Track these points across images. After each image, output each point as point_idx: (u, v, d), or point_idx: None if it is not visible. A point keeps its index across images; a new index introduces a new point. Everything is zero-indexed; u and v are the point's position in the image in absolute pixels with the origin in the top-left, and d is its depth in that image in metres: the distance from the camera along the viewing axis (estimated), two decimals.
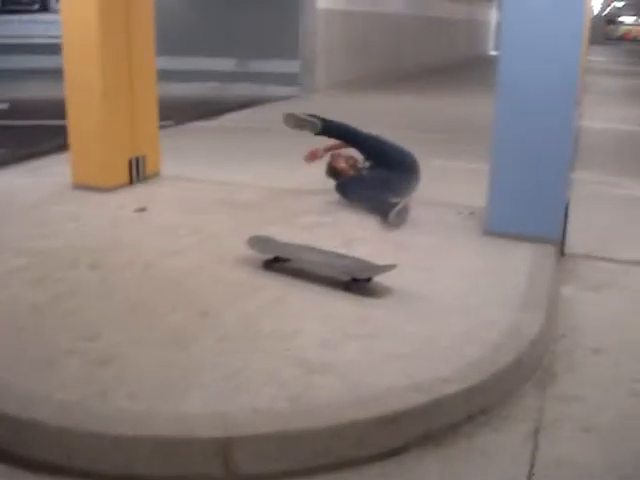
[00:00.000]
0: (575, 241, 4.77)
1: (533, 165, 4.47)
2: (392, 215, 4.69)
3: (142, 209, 5.02)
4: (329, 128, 5.40)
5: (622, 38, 58.34)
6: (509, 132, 4.49)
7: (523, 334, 3.22)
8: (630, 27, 63.39)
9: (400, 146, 5.46)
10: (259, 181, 6.10)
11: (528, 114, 4.42)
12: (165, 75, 11.82)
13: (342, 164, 5.43)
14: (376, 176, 5.33)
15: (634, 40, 58.84)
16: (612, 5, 48.85)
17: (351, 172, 5.44)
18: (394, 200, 4.84)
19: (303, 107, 12.41)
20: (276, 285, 3.68)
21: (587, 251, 4.79)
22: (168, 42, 12.71)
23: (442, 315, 3.38)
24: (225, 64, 14.37)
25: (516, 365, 3.00)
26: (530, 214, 4.54)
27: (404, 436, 2.59)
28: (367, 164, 5.48)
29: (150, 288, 3.63)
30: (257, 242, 4.05)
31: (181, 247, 4.24)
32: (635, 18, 62.12)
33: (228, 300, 3.48)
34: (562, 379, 3.15)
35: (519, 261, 4.17)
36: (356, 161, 5.53)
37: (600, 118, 11.32)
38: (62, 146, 6.20)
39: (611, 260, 4.69)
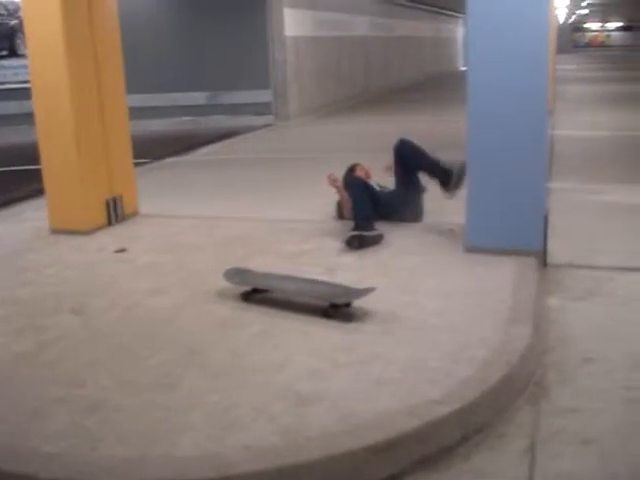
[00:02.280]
0: (557, 251, 4.77)
1: (509, 178, 4.50)
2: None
3: (122, 250, 4.98)
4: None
5: (589, 44, 59.19)
6: (482, 146, 4.52)
7: (512, 349, 3.21)
8: (596, 33, 64.36)
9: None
10: (239, 214, 6.08)
11: (500, 126, 4.45)
12: (137, 113, 11.90)
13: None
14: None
15: (601, 46, 59.72)
16: (577, 13, 49.54)
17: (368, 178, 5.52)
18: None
19: (277, 136, 12.51)
20: (260, 318, 3.66)
21: (570, 260, 4.80)
22: (138, 79, 12.74)
23: (429, 336, 3.37)
24: (196, 98, 14.40)
25: (507, 381, 2.99)
26: (510, 227, 4.55)
27: (400, 462, 2.56)
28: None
29: (134, 330, 3.59)
30: (234, 274, 4.04)
31: (163, 286, 4.21)
32: (600, 24, 63.06)
33: (213, 337, 3.45)
34: (555, 391, 3.13)
35: (502, 275, 4.18)
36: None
37: (572, 126, 11.43)
38: (39, 191, 6.17)
39: (594, 268, 4.70)
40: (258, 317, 3.67)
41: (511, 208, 4.54)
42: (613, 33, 65.47)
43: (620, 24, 63.57)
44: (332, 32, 16.61)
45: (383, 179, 5.57)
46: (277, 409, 2.73)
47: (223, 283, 4.02)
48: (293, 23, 14.20)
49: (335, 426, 2.60)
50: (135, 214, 6.02)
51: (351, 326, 3.50)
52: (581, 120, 12.36)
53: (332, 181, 5.26)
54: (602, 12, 48.84)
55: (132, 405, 2.83)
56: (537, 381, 3.22)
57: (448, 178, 5.16)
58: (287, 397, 2.83)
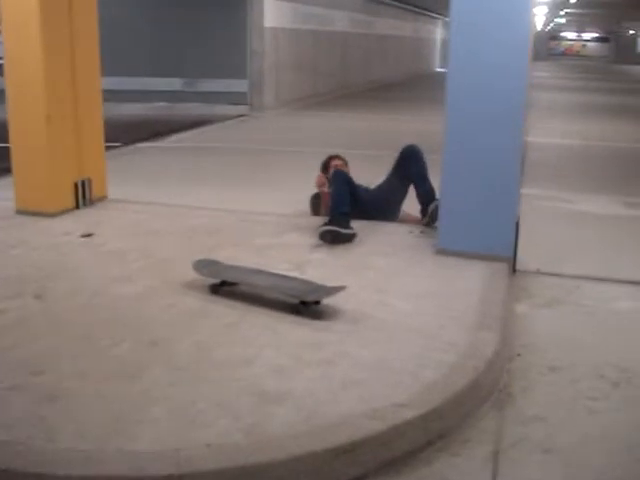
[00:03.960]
0: (526, 257, 4.78)
1: (483, 182, 4.49)
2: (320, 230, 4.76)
3: (89, 234, 4.89)
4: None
5: (564, 53, 59.77)
6: (458, 150, 4.51)
7: (479, 354, 3.19)
8: (572, 42, 65.00)
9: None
10: (209, 203, 6.01)
11: (477, 131, 4.45)
12: (112, 96, 11.74)
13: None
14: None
15: (577, 55, 60.34)
16: (554, 21, 49.97)
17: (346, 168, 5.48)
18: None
19: (252, 127, 12.44)
20: (227, 311, 3.60)
21: (538, 267, 4.81)
22: (114, 62, 12.57)
23: (397, 338, 3.34)
24: (173, 84, 14.25)
25: (473, 387, 2.97)
26: (481, 232, 4.55)
27: (362, 465, 2.53)
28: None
29: (98, 317, 3.52)
30: (203, 266, 3.97)
31: (129, 273, 4.13)
32: (577, 33, 63.69)
33: (178, 328, 3.39)
34: (520, 399, 3.12)
35: (472, 280, 4.17)
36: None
37: (544, 133, 11.51)
38: (6, 170, 6.03)
39: (562, 276, 4.72)
40: (225, 310, 3.61)
41: (483, 213, 4.53)
42: (589, 43, 66.21)
43: (596, 35, 64.29)
44: (312, 26, 16.55)
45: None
46: (241, 406, 2.69)
47: (191, 273, 3.96)
48: (273, 14, 14.11)
49: (299, 426, 2.56)
50: (104, 198, 5.92)
51: (320, 324, 3.46)
52: (553, 128, 12.45)
53: (320, 184, 5.22)
54: (579, 22, 49.30)
55: (92, 396, 2.76)
56: (502, 388, 3.21)
57: (425, 213, 5.17)
58: (252, 394, 2.78)
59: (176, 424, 2.57)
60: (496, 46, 4.31)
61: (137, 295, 3.79)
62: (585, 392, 3.22)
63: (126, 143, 9.84)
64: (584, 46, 66.31)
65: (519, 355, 3.54)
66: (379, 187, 5.47)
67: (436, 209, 4.91)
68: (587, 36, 65.23)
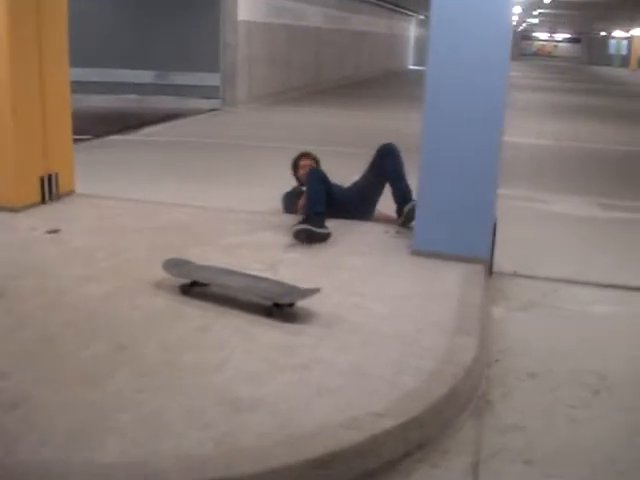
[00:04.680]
0: (502, 259, 4.71)
1: (461, 183, 4.41)
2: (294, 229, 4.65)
3: (54, 230, 4.73)
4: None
5: (537, 53, 60.18)
6: (436, 149, 4.42)
7: (458, 361, 3.11)
8: (544, 42, 65.52)
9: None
10: (180, 199, 5.87)
11: (456, 130, 4.36)
12: (82, 87, 11.52)
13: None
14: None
15: (548, 55, 60.81)
16: (527, 21, 50.29)
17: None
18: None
19: (224, 121, 12.28)
20: (198, 313, 3.48)
21: (515, 269, 4.75)
22: (85, 53, 12.34)
23: (373, 342, 3.24)
24: (144, 76, 14.03)
25: (452, 395, 2.88)
26: (458, 233, 4.47)
27: (339, 477, 2.43)
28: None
29: (62, 319, 3.37)
30: (173, 265, 3.84)
31: (96, 272, 3.98)
32: (549, 34, 64.19)
33: (147, 330, 3.26)
34: (499, 407, 3.04)
35: (449, 282, 4.08)
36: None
37: (518, 133, 11.49)
38: None
39: (539, 278, 4.66)
40: (196, 312, 3.48)
41: (461, 214, 4.45)
42: (561, 44, 66.79)
43: (568, 36, 64.85)
44: (286, 20, 16.40)
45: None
46: (212, 414, 2.57)
47: (160, 273, 3.83)
48: (247, 8, 13.94)
49: (272, 436, 2.45)
50: (71, 193, 5.75)
51: (294, 327, 3.35)
52: (528, 128, 12.44)
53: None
54: (551, 22, 49.66)
55: (56, 402, 2.63)
56: (481, 395, 3.12)
57: (401, 212, 5.08)
58: (223, 401, 2.67)
59: (144, 433, 2.45)
60: (477, 43, 4.22)
61: (104, 295, 3.64)
62: (565, 400, 3.15)
63: (96, 136, 9.65)
64: (556, 47, 66.88)
65: (497, 361, 3.46)
66: (354, 185, 5.38)
67: (412, 209, 4.83)
68: (559, 37, 65.81)
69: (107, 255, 4.27)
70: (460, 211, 4.44)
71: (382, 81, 24.39)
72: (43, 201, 5.46)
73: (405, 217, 5.01)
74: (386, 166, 5.18)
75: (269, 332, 3.29)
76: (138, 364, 2.94)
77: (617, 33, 52.38)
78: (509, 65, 4.33)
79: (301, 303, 3.51)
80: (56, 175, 5.58)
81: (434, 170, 4.45)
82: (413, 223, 4.81)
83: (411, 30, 37.13)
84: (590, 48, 60.43)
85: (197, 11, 13.59)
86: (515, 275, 4.69)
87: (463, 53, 4.27)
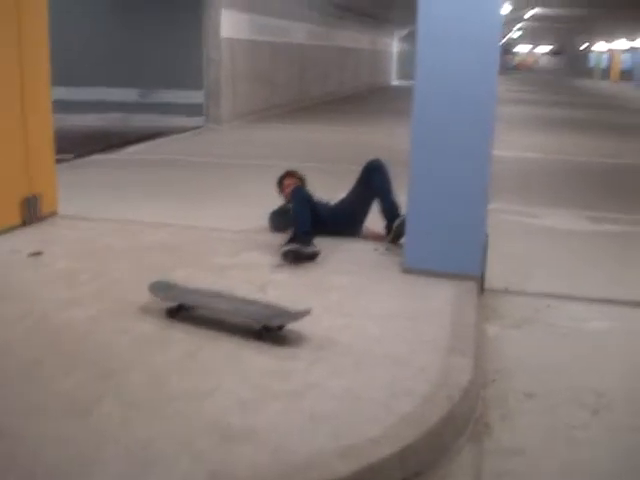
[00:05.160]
0: (492, 275, 4.64)
1: (451, 199, 4.35)
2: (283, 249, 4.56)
3: (37, 253, 4.62)
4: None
5: (518, 67, 60.60)
6: (426, 166, 4.36)
7: (454, 383, 3.03)
8: (526, 56, 66.02)
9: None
10: (165, 219, 5.78)
11: (445, 146, 4.31)
12: (64, 106, 11.40)
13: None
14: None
15: (529, 69, 61.26)
16: (509, 36, 50.63)
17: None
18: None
19: (209, 139, 12.20)
20: (186, 338, 3.38)
21: (506, 285, 4.69)
22: (67, 72, 12.24)
23: (366, 365, 3.16)
24: (128, 94, 13.93)
25: (450, 418, 2.80)
26: (449, 250, 4.40)
27: None
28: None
29: (45, 345, 3.26)
30: (160, 288, 3.74)
31: (80, 296, 3.88)
32: (530, 48, 64.68)
33: (133, 357, 3.16)
34: (498, 430, 2.96)
35: (441, 301, 4.01)
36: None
37: (503, 146, 11.47)
38: None
39: (531, 294, 4.60)
40: (184, 337, 3.38)
41: (451, 231, 4.39)
42: (542, 57, 67.32)
43: (549, 49, 65.38)
44: (269, 37, 16.37)
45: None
46: (202, 445, 2.47)
47: (146, 296, 3.73)
48: (230, 25, 13.89)
49: (266, 467, 2.36)
50: (54, 214, 5.64)
51: (285, 351, 3.26)
52: (513, 141, 12.43)
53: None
54: (533, 36, 50.05)
55: (38, 435, 2.52)
56: (479, 417, 3.04)
57: (390, 229, 5.03)
58: (214, 431, 2.57)
59: (132, 467, 2.35)
60: (465, 58, 4.18)
61: (88, 320, 3.54)
62: (564, 420, 3.07)
63: (79, 155, 9.52)
64: (537, 60, 67.41)
65: (494, 381, 3.38)
66: (341, 202, 5.31)
67: (401, 225, 4.76)
68: (540, 50, 66.33)
69: (91, 277, 4.17)
70: (451, 227, 4.38)
71: (366, 97, 24.42)
72: (26, 223, 5.35)
73: (394, 233, 4.94)
74: (373, 182, 5.12)
75: (259, 357, 3.19)
76: (124, 392, 2.84)
77: (598, 46, 52.85)
78: (497, 79, 4.28)
79: (291, 325, 3.42)
80: (39, 196, 5.48)
81: (423, 186, 4.38)
82: (403, 239, 4.74)
83: (394, 46, 37.26)
84: (571, 61, 60.97)
85: (180, 28, 13.52)
86: (506, 291, 4.62)
87: (451, 68, 4.22)
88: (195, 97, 13.76)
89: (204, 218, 6.01)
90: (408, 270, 4.44)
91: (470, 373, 3.13)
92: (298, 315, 3.41)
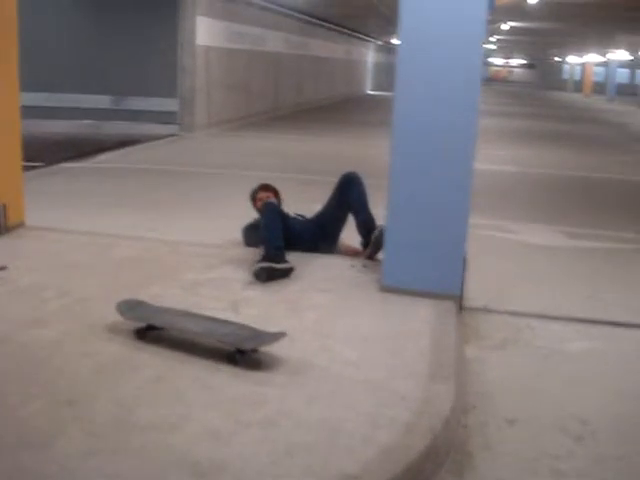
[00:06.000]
0: (471, 293, 4.54)
1: (431, 217, 4.24)
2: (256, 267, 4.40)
3: (1, 268, 4.43)
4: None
5: (492, 79, 60.96)
6: (405, 182, 4.25)
7: (435, 411, 2.90)
8: (500, 68, 66.48)
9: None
10: (136, 232, 5.62)
11: (426, 162, 4.21)
12: (34, 112, 11.17)
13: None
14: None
15: (504, 81, 61.68)
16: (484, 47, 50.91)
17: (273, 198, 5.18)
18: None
19: (182, 147, 12.03)
20: (154, 360, 3.22)
21: (485, 304, 4.59)
22: (37, 77, 12.00)
23: (344, 392, 3.02)
24: (100, 101, 13.70)
25: (431, 450, 2.67)
26: (428, 268, 4.29)
27: None
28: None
29: (5, 369, 3.08)
30: (127, 308, 3.57)
31: (44, 314, 3.69)
32: (505, 60, 65.16)
33: (98, 382, 2.99)
34: (479, 459, 2.84)
35: (421, 322, 3.89)
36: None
37: (479, 159, 11.40)
38: None
39: (511, 313, 4.50)
40: (152, 360, 3.22)
41: (430, 249, 4.28)
42: (516, 69, 67.85)
43: (523, 61, 65.90)
44: (245, 45, 16.24)
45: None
46: None
47: (114, 315, 3.56)
48: (205, 32, 13.74)
49: None
50: (21, 225, 5.44)
51: (258, 376, 3.11)
52: (487, 154, 12.37)
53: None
54: (507, 48, 50.41)
55: None
56: (459, 445, 2.92)
57: (368, 243, 4.91)
58: (183, 465, 2.42)
59: None
60: (446, 74, 4.08)
61: (52, 342, 3.36)
62: (548, 449, 2.96)
63: (48, 163, 9.31)
64: (511, 72, 67.91)
65: (475, 407, 3.26)
66: (316, 216, 5.18)
67: (380, 236, 4.62)
68: (514, 62, 66.84)
69: (56, 295, 3.99)
70: (430, 245, 4.27)
71: (341, 106, 24.35)
72: None
73: (373, 245, 4.81)
74: (349, 195, 5.00)
75: (232, 382, 3.04)
76: (88, 422, 2.67)
77: (571, 59, 53.35)
78: (479, 95, 4.17)
79: (265, 347, 3.28)
80: (4, 206, 5.28)
81: (403, 203, 4.27)
82: (380, 254, 4.62)
83: (369, 55, 37.29)
84: (545, 73, 61.49)
85: (155, 35, 13.34)
86: (486, 310, 4.52)
87: (432, 77, 4.11)
88: (169, 105, 13.58)
89: (176, 230, 5.87)
90: (386, 288, 4.32)
91: (452, 400, 3.01)
92: (273, 338, 3.26)
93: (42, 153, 9.68)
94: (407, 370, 3.27)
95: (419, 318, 3.94)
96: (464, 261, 4.33)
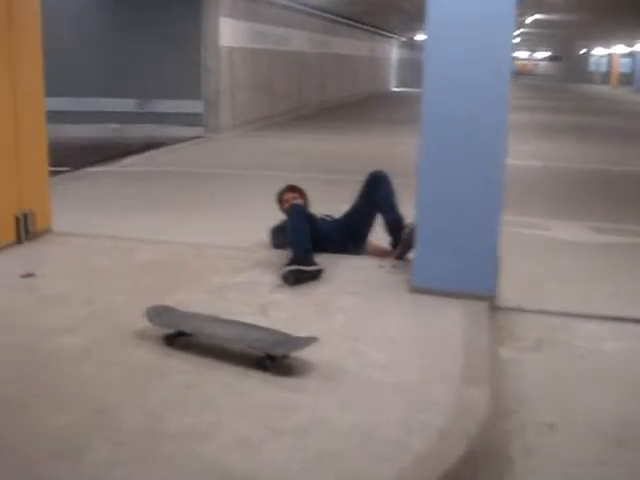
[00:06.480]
0: (504, 292, 4.44)
1: (462, 213, 4.15)
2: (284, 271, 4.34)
3: (29, 274, 4.41)
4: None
5: (519, 73, 60.42)
6: (435, 177, 4.16)
7: (470, 415, 2.83)
8: (525, 62, 65.89)
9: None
10: (162, 235, 5.59)
11: (456, 158, 4.11)
12: (60, 117, 11.22)
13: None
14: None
15: (529, 74, 61.13)
16: None
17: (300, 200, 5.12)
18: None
19: (208, 149, 12.02)
20: (184, 367, 3.17)
21: (519, 303, 4.47)
22: (62, 82, 12.06)
23: (377, 397, 2.95)
24: (125, 104, 13.74)
25: (468, 456, 2.59)
26: (460, 268, 4.20)
27: None
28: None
29: (33, 379, 3.05)
30: (156, 314, 3.52)
31: (72, 322, 3.66)
32: (529, 53, 64.59)
33: (127, 390, 2.95)
34: (520, 466, 2.76)
35: (452, 323, 3.81)
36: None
37: (510, 154, 11.28)
38: None
39: (546, 313, 4.39)
40: (182, 366, 3.17)
41: (462, 247, 4.19)
42: (541, 63, 67.21)
43: (548, 54, 65.26)
44: (268, 45, 16.22)
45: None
46: None
47: (142, 321, 3.52)
48: (229, 33, 13.73)
49: None
50: (48, 231, 5.43)
51: (289, 382, 3.05)
52: (511, 149, 12.23)
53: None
54: (532, 42, 49.92)
55: None
56: (499, 451, 2.84)
57: (397, 242, 4.83)
58: (211, 475, 2.37)
59: None
60: (476, 66, 3.99)
61: (80, 350, 3.32)
62: (589, 454, 2.88)
63: (74, 168, 9.33)
64: (536, 65, 67.30)
65: (513, 411, 3.17)
66: (344, 216, 5.11)
67: (410, 234, 4.53)
68: (539, 55, 66.22)
69: (83, 301, 3.96)
70: (462, 244, 4.18)
71: (365, 104, 24.23)
72: (19, 241, 5.15)
73: (403, 244, 4.73)
74: (376, 195, 4.92)
75: (262, 388, 2.98)
76: (117, 432, 2.63)
77: (597, 50, 52.72)
78: (508, 89, 4.08)
79: (296, 353, 3.22)
80: (32, 213, 5.28)
81: (432, 201, 4.18)
82: (411, 254, 4.54)
83: (393, 52, 37.13)
84: (570, 66, 60.79)
85: (178, 37, 13.35)
86: (520, 310, 4.40)
87: (461, 75, 4.03)
88: (194, 107, 13.58)
89: (202, 233, 5.83)
90: (416, 289, 4.24)
91: (487, 404, 2.93)
92: (304, 343, 3.20)
93: (68, 158, 9.70)
94: (440, 373, 3.19)
95: (451, 319, 3.86)
96: (497, 259, 4.24)
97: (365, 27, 26.60)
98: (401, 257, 4.79)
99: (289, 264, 4.34)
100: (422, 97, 4.10)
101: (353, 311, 3.95)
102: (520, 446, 2.90)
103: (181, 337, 3.39)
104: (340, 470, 2.42)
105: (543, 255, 5.73)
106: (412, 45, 40.80)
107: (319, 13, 19.61)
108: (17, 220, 5.15)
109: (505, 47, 4.03)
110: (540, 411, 3.19)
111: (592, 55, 56.90)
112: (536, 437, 2.97)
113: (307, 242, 4.51)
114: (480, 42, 3.97)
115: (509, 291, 4.53)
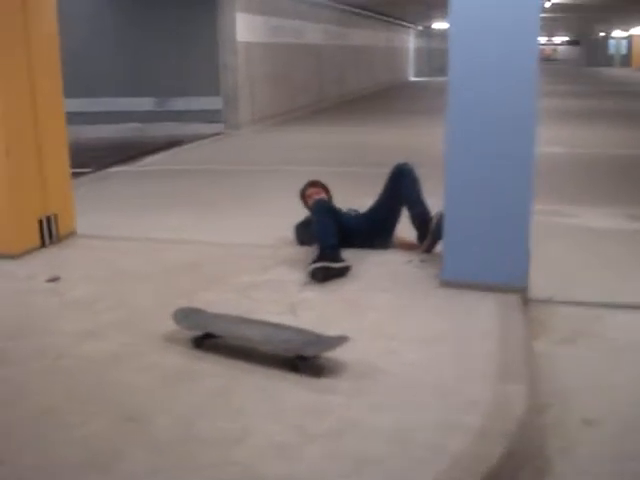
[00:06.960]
0: (535, 283, 4.35)
1: (493, 204, 4.06)
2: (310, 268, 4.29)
3: (54, 279, 4.40)
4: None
5: (541, 58, 59.87)
6: (463, 168, 4.07)
7: (508, 414, 2.76)
8: (544, 47, 65.28)
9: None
10: (186, 234, 5.56)
11: (485, 145, 4.01)
12: (79, 118, 11.23)
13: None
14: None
15: (548, 59, 60.57)
16: None
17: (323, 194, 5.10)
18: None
19: (229, 146, 11.99)
20: (215, 370, 3.13)
21: (551, 295, 4.38)
22: (81, 83, 12.08)
23: (412, 397, 2.89)
24: (143, 103, 13.74)
25: (507, 457, 2.53)
26: (491, 259, 4.12)
27: None
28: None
29: (62, 387, 3.02)
30: (184, 316, 3.48)
31: (99, 327, 3.63)
32: (547, 38, 63.94)
33: (158, 396, 2.91)
34: (559, 464, 2.69)
35: (486, 318, 3.73)
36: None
37: None
38: None
39: (579, 304, 4.30)
40: (211, 370, 3.13)
41: (492, 238, 4.10)
42: (560, 47, 66.53)
43: (567, 38, 64.58)
44: (286, 39, 16.15)
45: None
46: None
47: (169, 324, 3.48)
48: (245, 28, 13.67)
49: None
50: (72, 234, 5.42)
51: (322, 383, 3.00)
52: (542, 134, 12.08)
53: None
54: (550, 26, 49.41)
55: None
56: (537, 449, 2.77)
57: (424, 236, 4.75)
58: None
59: None
60: (503, 49, 3.89)
61: (109, 355, 3.29)
62: (629, 451, 2.81)
63: (96, 169, 9.34)
64: (555, 50, 66.63)
65: (549, 405, 3.10)
66: (370, 210, 5.04)
67: (438, 225, 4.44)
68: (558, 40, 65.54)
69: (110, 305, 3.93)
70: (492, 235, 4.09)
71: (384, 95, 24.11)
72: (43, 244, 5.14)
73: (432, 235, 4.64)
74: (401, 188, 4.84)
75: (294, 391, 2.93)
76: (150, 439, 2.59)
77: (616, 33, 52.08)
78: (537, 76, 3.98)
79: (327, 353, 3.16)
80: (55, 216, 5.27)
81: (461, 191, 4.10)
82: (439, 247, 4.46)
83: (410, 41, 36.91)
84: (590, 49, 60.09)
85: (194, 34, 13.31)
86: (552, 302, 4.32)
87: (488, 62, 3.93)
88: (213, 103, 13.55)
89: (227, 231, 5.78)
90: (447, 283, 4.16)
91: (525, 402, 2.86)
92: (335, 342, 3.14)
93: (89, 159, 9.71)
94: (475, 371, 3.12)
95: (483, 314, 3.79)
96: (528, 250, 4.15)
97: (381, 17, 26.43)
98: (429, 250, 4.72)
99: (316, 261, 4.29)
100: (448, 83, 4.01)
101: (383, 308, 3.89)
102: (558, 444, 2.82)
103: (209, 339, 3.35)
104: (377, 474, 2.37)
105: (576, 244, 5.61)
106: (429, 34, 40.52)
107: (335, 5, 19.49)
108: (41, 224, 5.14)
109: (532, 30, 3.92)
110: (577, 406, 3.11)
111: (612, 38, 56.20)
112: (574, 434, 2.90)
113: (333, 238, 4.45)
114: (507, 26, 3.88)
115: (542, 282, 4.44)
